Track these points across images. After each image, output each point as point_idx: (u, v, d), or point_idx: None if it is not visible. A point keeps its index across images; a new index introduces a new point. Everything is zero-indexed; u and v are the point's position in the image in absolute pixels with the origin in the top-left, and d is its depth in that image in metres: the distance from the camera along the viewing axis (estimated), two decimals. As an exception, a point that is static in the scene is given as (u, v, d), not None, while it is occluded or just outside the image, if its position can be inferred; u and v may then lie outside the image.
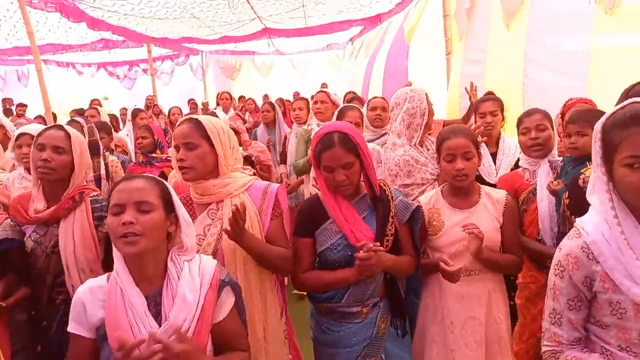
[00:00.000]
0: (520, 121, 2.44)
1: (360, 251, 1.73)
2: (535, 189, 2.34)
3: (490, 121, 3.00)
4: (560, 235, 2.15)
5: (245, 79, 13.80)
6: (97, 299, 1.39)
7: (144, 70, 12.42)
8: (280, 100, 7.46)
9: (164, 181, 1.50)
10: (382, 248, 1.77)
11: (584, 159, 2.12)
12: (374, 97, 3.49)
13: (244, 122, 6.59)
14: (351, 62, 11.81)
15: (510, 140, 3.02)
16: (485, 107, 3.04)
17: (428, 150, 2.82)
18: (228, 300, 1.50)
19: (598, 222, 1.26)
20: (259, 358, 1.87)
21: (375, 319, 1.91)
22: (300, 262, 1.94)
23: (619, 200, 1.22)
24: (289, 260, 1.91)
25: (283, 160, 4.62)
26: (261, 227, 1.90)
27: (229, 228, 1.72)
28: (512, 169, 2.75)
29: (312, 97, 4.16)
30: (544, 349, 1.38)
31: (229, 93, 8.20)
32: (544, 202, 2.26)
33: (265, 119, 5.26)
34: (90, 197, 2.16)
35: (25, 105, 9.09)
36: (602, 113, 2.18)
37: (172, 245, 1.49)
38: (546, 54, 3.61)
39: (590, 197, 1.31)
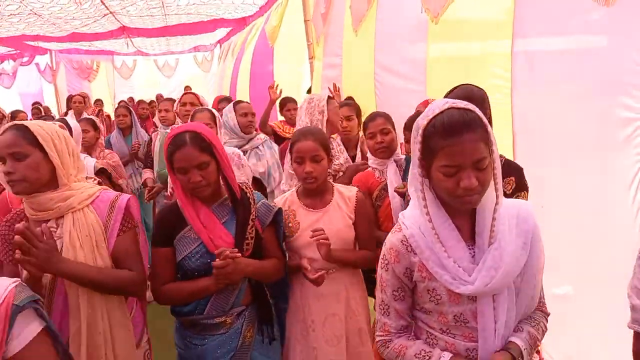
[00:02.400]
0: (365, 126, 2.57)
1: (217, 259, 1.66)
2: (386, 186, 2.47)
3: (346, 126, 3.19)
4: None
5: (104, 81, 12.73)
6: None
7: (-21, 71, 10.87)
8: (146, 102, 6.94)
9: None
10: (239, 255, 1.70)
11: None
12: (240, 102, 3.48)
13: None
14: (220, 65, 11.53)
15: None
16: (342, 112, 3.20)
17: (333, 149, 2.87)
18: (29, 327, 1.31)
19: (416, 216, 1.33)
20: None
21: (241, 329, 1.85)
22: (160, 274, 1.81)
23: (433, 196, 1.29)
24: (135, 282, 1.74)
25: (148, 164, 4.23)
26: (107, 245, 1.72)
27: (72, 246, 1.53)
28: None
29: (179, 99, 3.91)
30: (377, 339, 1.44)
31: (81, 95, 7.46)
32: (396, 199, 2.39)
33: (121, 124, 4.91)
34: None
35: None
36: None
37: None
38: (392, 60, 3.81)
39: (410, 191, 1.35)
